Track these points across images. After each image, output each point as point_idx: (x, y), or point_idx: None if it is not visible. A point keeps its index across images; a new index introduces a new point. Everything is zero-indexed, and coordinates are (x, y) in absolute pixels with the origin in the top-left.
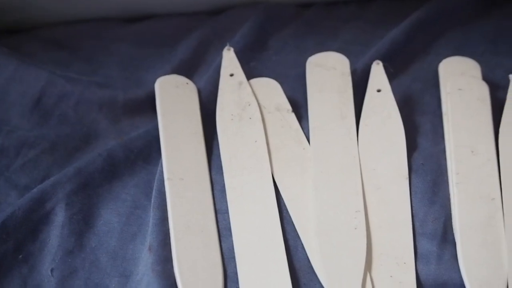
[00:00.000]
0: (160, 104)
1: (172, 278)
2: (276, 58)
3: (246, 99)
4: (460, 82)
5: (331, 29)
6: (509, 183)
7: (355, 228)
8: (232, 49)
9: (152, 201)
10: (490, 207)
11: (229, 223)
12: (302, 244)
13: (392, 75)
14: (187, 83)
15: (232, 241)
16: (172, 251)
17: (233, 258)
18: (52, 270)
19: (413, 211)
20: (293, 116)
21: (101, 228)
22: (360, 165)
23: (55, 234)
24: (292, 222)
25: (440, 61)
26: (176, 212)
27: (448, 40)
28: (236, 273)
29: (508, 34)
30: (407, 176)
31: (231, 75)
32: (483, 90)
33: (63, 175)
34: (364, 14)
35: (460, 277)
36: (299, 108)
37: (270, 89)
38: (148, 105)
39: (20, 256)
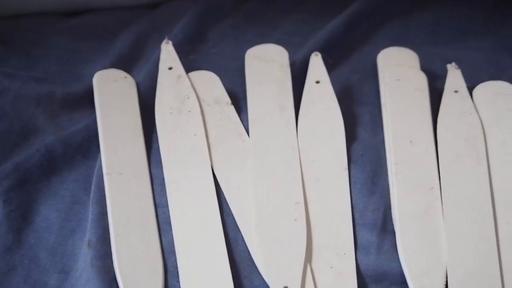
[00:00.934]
0: (98, 98)
1: (112, 273)
2: (215, 50)
3: (185, 92)
4: (398, 72)
5: (271, 20)
6: (447, 172)
7: (295, 220)
8: (170, 42)
9: (91, 196)
10: (429, 196)
11: (169, 217)
12: (242, 237)
13: (331, 66)
14: (125, 77)
15: (172, 235)
16: (111, 246)
17: (173, 252)
18: None
19: (353, 202)
20: (232, 109)
21: (40, 224)
22: (299, 156)
23: None
24: (232, 214)
25: (379, 52)
26: (115, 207)
27: (387, 31)
28: (176, 267)
29: (446, 24)
30: (347, 167)
31: (170, 68)
32: (421, 81)
33: (0, 171)
34: (304, 6)
35: (400, 266)
36: (239, 101)
37: (209, 82)
38: (87, 100)
39: None
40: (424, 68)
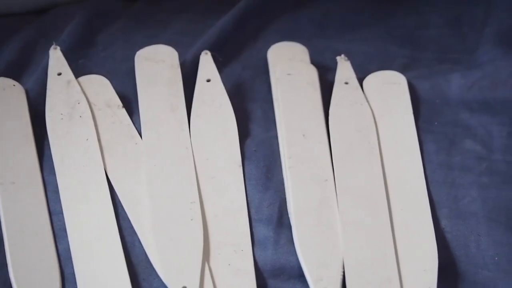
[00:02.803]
0: None
1: (8, 283)
2: (105, 54)
3: (75, 97)
4: (289, 67)
5: (160, 21)
6: (340, 164)
7: (191, 219)
8: (58, 48)
9: None
10: (323, 188)
11: (64, 223)
12: (139, 240)
13: (222, 64)
14: (14, 85)
15: (68, 241)
16: (6, 256)
17: (70, 258)
18: None
19: (248, 198)
20: (124, 112)
21: None
22: (193, 155)
23: None
24: (128, 218)
25: (269, 47)
26: (8, 216)
27: (277, 26)
28: (74, 274)
29: (334, 18)
30: (241, 163)
31: (59, 74)
32: (312, 74)
33: None
34: (193, 5)
35: (297, 259)
36: (130, 103)
37: (99, 86)
38: None
39: None
40: (314, 61)
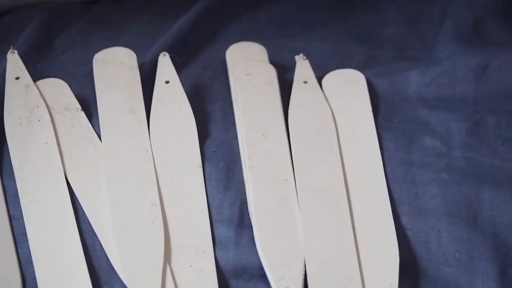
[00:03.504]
0: None
1: None
2: (64, 57)
3: (34, 101)
4: (247, 67)
5: (119, 23)
6: (300, 163)
7: (152, 222)
8: (16, 51)
9: None
10: (284, 188)
11: (24, 228)
12: (100, 243)
13: (180, 65)
14: None
15: (28, 246)
16: None
17: (31, 263)
18: None
19: (209, 199)
20: (83, 115)
21: None
22: (153, 157)
23: None
24: (89, 221)
25: (228, 48)
26: None
27: (235, 27)
28: (35, 278)
29: (293, 17)
30: (201, 164)
31: (17, 78)
32: (271, 74)
33: None
34: (151, 6)
35: (259, 259)
36: (89, 106)
37: (58, 89)
38: None
39: None
40: (273, 61)
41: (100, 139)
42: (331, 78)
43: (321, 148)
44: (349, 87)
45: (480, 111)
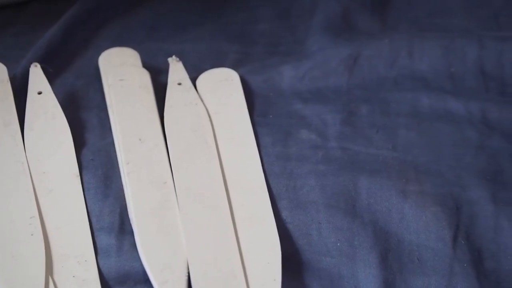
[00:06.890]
0: None
1: None
2: None
3: None
4: (120, 72)
5: None
6: (178, 165)
7: (32, 235)
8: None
9: None
10: (163, 191)
11: None
12: None
13: (53, 75)
14: None
15: None
16: None
17: None
18: None
19: (89, 208)
20: None
21: None
22: (29, 170)
23: None
24: None
25: (100, 54)
26: None
27: (108, 32)
28: None
29: (166, 20)
30: (78, 174)
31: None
32: (144, 78)
33: None
34: (20, 18)
35: (141, 264)
36: None
37: None
38: None
39: None
40: (147, 64)
41: None
42: (205, 78)
43: (198, 149)
44: (223, 86)
45: (354, 101)
